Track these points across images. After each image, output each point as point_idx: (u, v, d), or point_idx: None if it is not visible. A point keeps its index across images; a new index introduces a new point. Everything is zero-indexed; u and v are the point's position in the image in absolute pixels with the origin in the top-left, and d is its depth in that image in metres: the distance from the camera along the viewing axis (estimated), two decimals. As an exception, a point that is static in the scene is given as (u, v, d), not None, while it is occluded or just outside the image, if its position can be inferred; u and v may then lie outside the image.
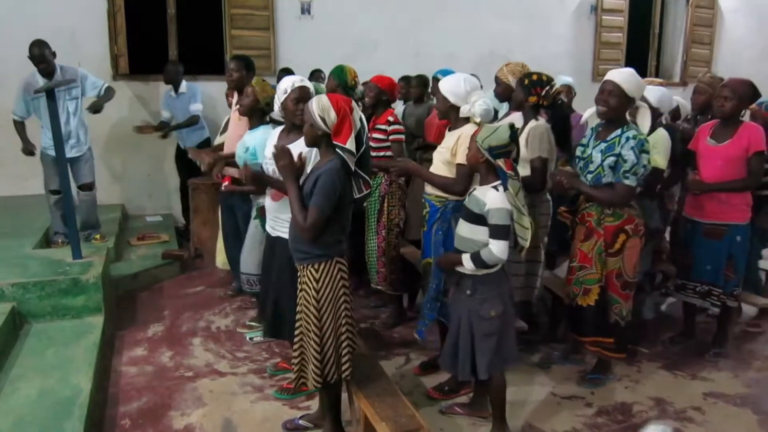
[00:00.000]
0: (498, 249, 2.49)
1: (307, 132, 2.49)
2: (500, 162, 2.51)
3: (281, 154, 2.51)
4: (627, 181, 2.94)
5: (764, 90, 3.96)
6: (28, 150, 4.70)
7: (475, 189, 2.65)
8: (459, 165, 2.98)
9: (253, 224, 3.54)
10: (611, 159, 2.96)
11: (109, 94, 4.77)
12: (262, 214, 3.40)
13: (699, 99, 4.07)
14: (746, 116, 3.62)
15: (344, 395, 2.83)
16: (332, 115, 2.40)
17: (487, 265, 2.55)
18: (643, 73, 7.85)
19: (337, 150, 2.42)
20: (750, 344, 3.90)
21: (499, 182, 2.54)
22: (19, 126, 4.67)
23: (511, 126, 2.57)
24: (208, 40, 6.73)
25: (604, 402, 3.16)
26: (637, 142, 2.91)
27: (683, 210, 3.68)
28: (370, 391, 2.62)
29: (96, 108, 4.71)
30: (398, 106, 4.86)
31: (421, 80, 4.75)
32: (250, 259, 3.50)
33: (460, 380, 3.04)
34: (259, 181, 2.92)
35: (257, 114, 3.51)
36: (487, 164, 2.57)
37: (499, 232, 2.49)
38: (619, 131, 2.98)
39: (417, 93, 4.64)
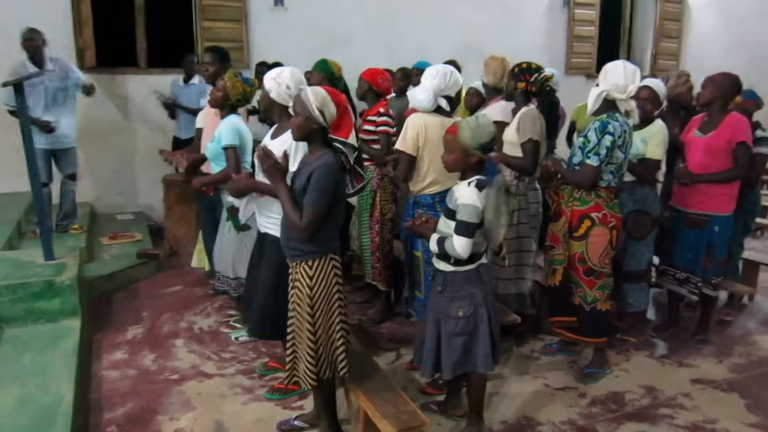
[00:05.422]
0: (459, 244, 2.38)
1: (300, 125, 2.34)
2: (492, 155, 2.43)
3: (264, 156, 2.40)
4: (588, 161, 2.99)
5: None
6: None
7: (456, 184, 2.54)
8: (397, 151, 3.20)
9: (226, 227, 3.43)
10: (581, 140, 3.05)
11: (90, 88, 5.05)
12: (233, 213, 3.28)
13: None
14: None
15: (339, 393, 2.77)
16: (332, 109, 2.31)
17: (447, 254, 2.45)
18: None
19: (337, 145, 2.34)
20: (729, 330, 3.99)
21: (476, 178, 2.43)
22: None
23: (484, 116, 2.51)
24: (178, 31, 6.53)
25: (597, 392, 3.18)
26: (600, 123, 2.96)
27: (669, 198, 3.73)
28: (368, 388, 2.58)
29: (88, 90, 4.99)
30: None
31: (404, 73, 4.69)
32: (239, 263, 3.38)
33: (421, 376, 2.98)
34: (246, 191, 2.89)
35: (227, 107, 3.47)
36: (467, 162, 2.46)
37: (461, 228, 2.38)
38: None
39: (399, 86, 4.57)
